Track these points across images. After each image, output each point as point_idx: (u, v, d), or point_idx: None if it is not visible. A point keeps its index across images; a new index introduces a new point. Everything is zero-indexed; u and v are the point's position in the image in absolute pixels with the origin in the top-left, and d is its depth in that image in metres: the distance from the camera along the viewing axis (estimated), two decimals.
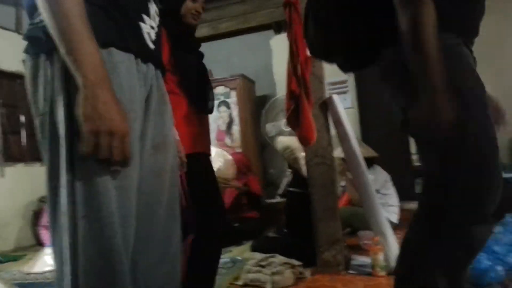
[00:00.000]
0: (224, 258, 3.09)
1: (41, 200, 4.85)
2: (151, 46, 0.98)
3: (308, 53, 2.43)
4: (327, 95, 2.70)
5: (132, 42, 0.91)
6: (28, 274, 3.33)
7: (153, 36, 0.99)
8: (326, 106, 2.65)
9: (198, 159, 1.69)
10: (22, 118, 5.00)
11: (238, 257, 3.09)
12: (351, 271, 2.46)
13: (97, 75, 0.77)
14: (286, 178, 3.31)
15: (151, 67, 0.99)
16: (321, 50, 1.27)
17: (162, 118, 1.01)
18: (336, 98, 2.67)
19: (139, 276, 0.92)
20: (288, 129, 3.44)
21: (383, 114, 4.93)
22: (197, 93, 1.76)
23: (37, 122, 0.86)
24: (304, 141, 2.41)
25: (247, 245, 3.40)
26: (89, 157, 0.77)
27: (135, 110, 0.89)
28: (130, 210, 0.86)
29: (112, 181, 0.81)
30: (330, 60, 1.30)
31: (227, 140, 5.20)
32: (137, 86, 0.91)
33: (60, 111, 0.80)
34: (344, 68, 1.27)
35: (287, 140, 3.35)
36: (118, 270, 0.80)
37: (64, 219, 0.79)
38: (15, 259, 4.08)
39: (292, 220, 3.05)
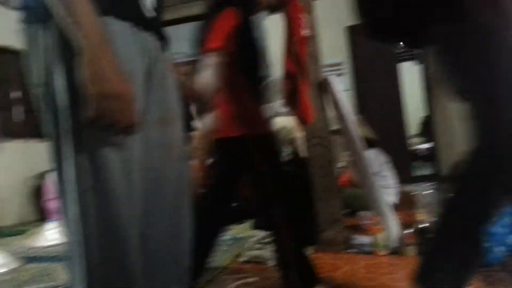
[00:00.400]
0: (225, 235, 3.10)
1: (40, 176, 4.87)
2: (152, 14, 0.93)
3: (304, 32, 2.41)
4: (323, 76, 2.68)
5: (130, 10, 0.86)
6: (30, 248, 3.35)
7: (153, 3, 0.94)
8: (324, 87, 2.63)
9: (255, 139, 1.76)
10: (17, 94, 4.95)
11: (240, 235, 3.08)
12: (351, 250, 2.47)
13: (99, 36, 0.73)
14: (284, 158, 3.31)
15: (152, 37, 0.93)
16: (373, 32, 1.25)
17: (165, 92, 0.96)
18: (333, 79, 2.66)
19: (150, 248, 0.90)
20: (284, 110, 3.42)
21: (379, 97, 4.93)
22: (254, 76, 1.86)
23: (35, 94, 0.83)
24: (301, 120, 2.39)
25: (247, 224, 3.40)
26: (94, 122, 0.73)
27: (136, 81, 0.85)
28: (135, 183, 0.83)
29: (117, 153, 0.79)
30: (382, 40, 1.29)
31: None
32: (136, 57, 0.86)
33: (58, 80, 0.77)
34: (408, 45, 1.28)
35: (283, 121, 3.33)
36: (127, 238, 0.79)
37: (70, 191, 0.77)
38: (18, 233, 4.11)
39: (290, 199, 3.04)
